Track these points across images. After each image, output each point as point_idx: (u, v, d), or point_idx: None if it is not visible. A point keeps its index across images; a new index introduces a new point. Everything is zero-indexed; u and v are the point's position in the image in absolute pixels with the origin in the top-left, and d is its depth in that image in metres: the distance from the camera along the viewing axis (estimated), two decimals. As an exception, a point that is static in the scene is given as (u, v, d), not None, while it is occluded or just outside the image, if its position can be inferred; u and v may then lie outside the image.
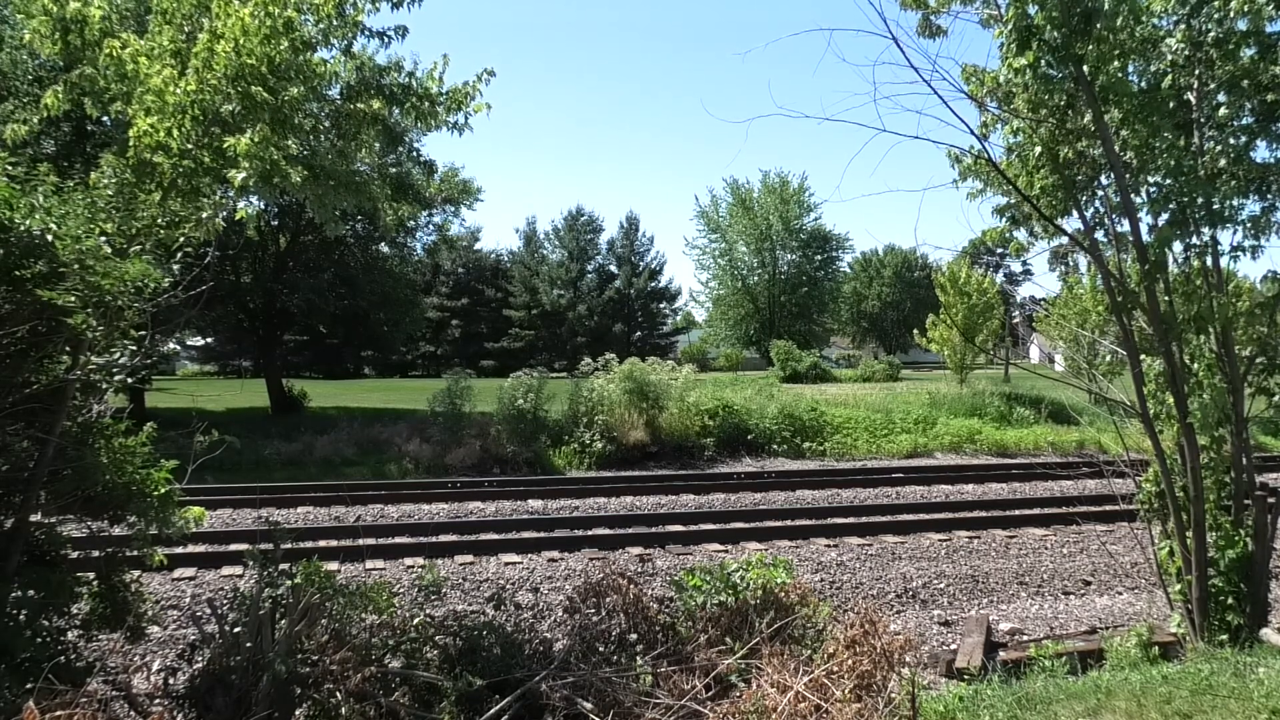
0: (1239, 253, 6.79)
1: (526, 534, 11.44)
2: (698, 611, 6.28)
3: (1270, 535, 6.82)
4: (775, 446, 20.24)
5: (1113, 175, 6.57)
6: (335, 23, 5.36)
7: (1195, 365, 6.81)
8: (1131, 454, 7.79)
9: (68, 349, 4.83)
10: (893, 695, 4.88)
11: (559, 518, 12.54)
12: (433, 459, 17.66)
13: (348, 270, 25.60)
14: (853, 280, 76.90)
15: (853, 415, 22.36)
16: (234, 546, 10.16)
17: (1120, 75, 6.28)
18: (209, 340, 41.69)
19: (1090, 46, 5.97)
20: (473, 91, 5.89)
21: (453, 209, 29.27)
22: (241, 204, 5.85)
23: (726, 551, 10.62)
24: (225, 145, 4.93)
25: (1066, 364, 28.76)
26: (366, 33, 5.65)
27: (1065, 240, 7.35)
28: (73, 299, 4.40)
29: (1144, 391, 6.88)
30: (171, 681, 5.70)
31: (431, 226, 30.11)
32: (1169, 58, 6.42)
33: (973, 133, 6.66)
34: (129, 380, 5.26)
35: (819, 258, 60.00)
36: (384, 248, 27.30)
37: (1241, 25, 6.30)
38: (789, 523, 12.32)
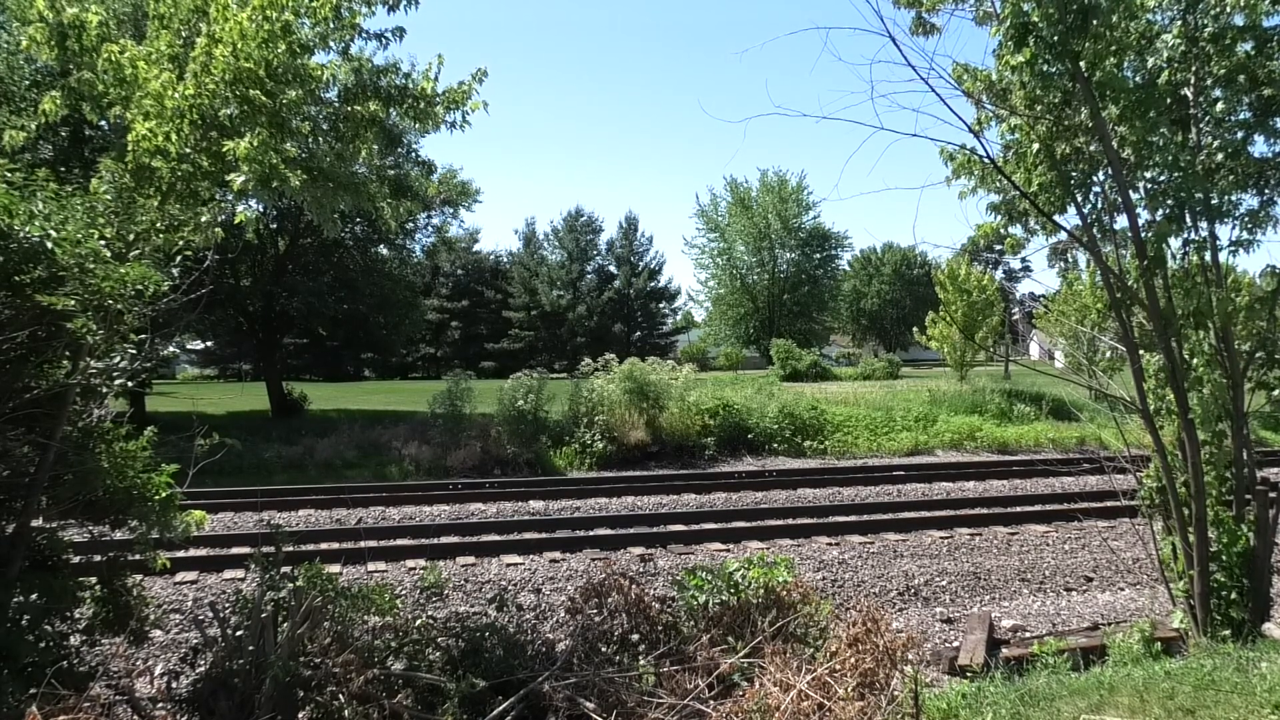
0: (1237, 248, 6.80)
1: (528, 535, 11.44)
2: (700, 611, 6.29)
3: (1272, 530, 6.83)
4: (776, 445, 20.24)
5: (1110, 171, 6.58)
6: (332, 25, 5.37)
7: (1195, 360, 6.81)
8: (1132, 450, 7.80)
9: (68, 353, 4.83)
10: (895, 693, 4.88)
11: (560, 518, 12.54)
12: (433, 461, 17.66)
13: (347, 273, 25.59)
14: (852, 278, 76.93)
15: (853, 413, 22.35)
16: (236, 550, 10.16)
17: (1117, 71, 6.28)
18: (209, 344, 41.79)
19: (1087, 43, 5.97)
20: (469, 90, 5.90)
21: (451, 210, 29.30)
22: (240, 207, 5.85)
23: (728, 550, 10.62)
24: (224, 149, 4.94)
25: (1066, 360, 28.76)
26: (364, 35, 5.66)
27: (1064, 236, 7.36)
28: (72, 303, 4.41)
29: (1144, 387, 6.88)
30: (174, 685, 5.71)
31: (430, 228, 30.16)
32: (1165, 53, 6.43)
33: (970, 129, 6.66)
34: (129, 384, 5.26)
35: (818, 256, 60.00)
36: (383, 250, 27.29)
37: (1238, 20, 6.31)
38: (790, 521, 12.31)
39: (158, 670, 6.68)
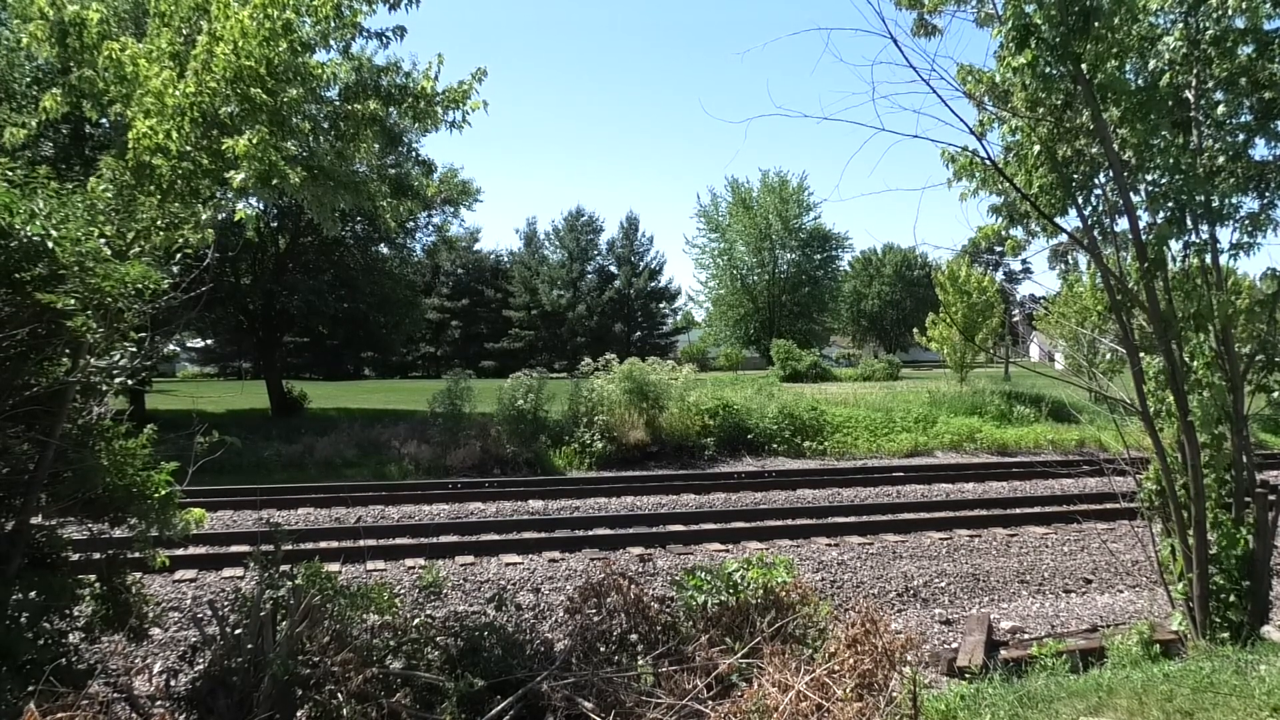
0: (1238, 250, 6.80)
1: (527, 534, 11.44)
2: (698, 611, 6.29)
3: (1271, 533, 6.82)
4: (775, 446, 20.23)
5: (1111, 173, 6.58)
6: (333, 24, 5.37)
7: (1195, 363, 6.81)
8: (1132, 452, 7.79)
9: (68, 351, 4.83)
10: (894, 694, 4.88)
11: (559, 518, 12.54)
12: (433, 460, 17.66)
13: (347, 272, 25.60)
14: (852, 279, 76.91)
15: (853, 414, 22.35)
16: (235, 548, 10.17)
17: (1118, 74, 6.28)
18: (209, 342, 41.76)
19: (1089, 45, 5.97)
20: (469, 90, 5.90)
21: (452, 210, 29.28)
22: (240, 205, 5.85)
23: (727, 551, 10.62)
24: (224, 147, 4.94)
25: (1066, 362, 28.76)
26: (365, 34, 5.66)
27: (1064, 239, 7.35)
28: (73, 301, 4.40)
29: (1144, 389, 6.88)
30: (173, 683, 5.72)
31: (431, 227, 30.12)
32: (1167, 56, 6.43)
33: (971, 131, 6.66)
34: (129, 382, 5.26)
35: (819, 257, 60.02)
36: (383, 249, 27.29)
37: (1239, 23, 6.31)
38: (790, 522, 12.31)
39: (156, 668, 6.68)
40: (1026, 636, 8.14)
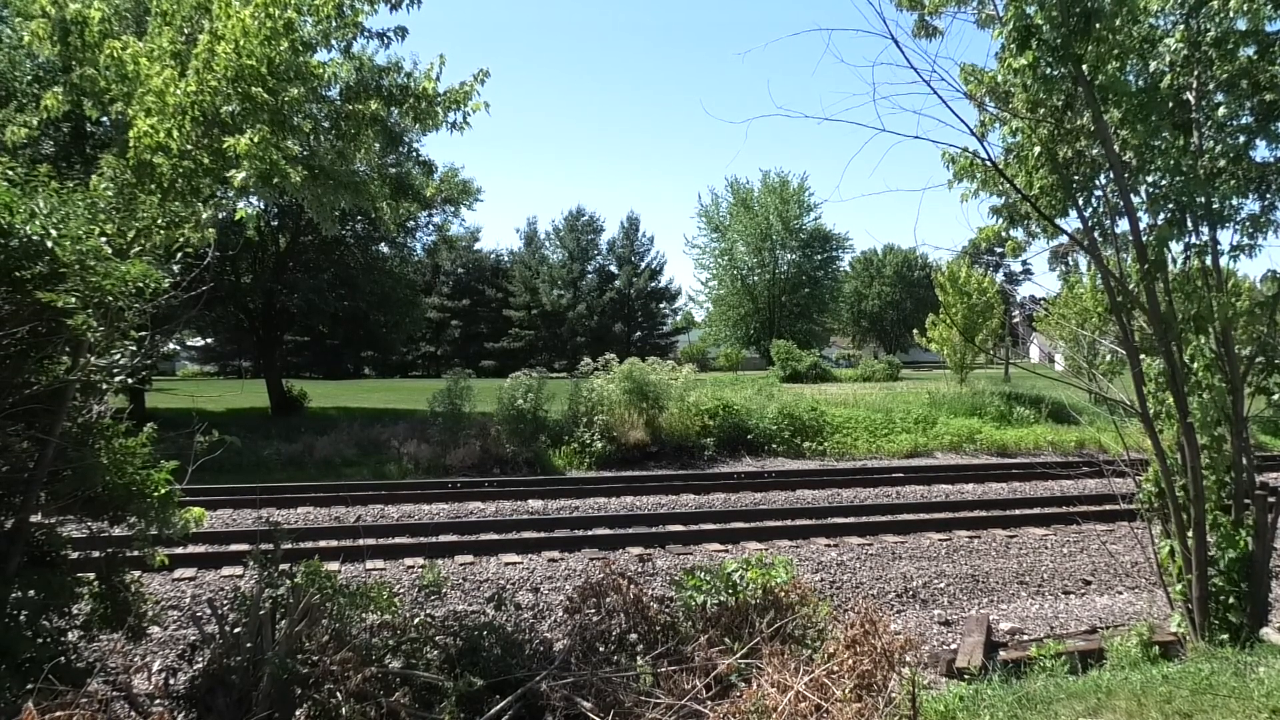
0: (1238, 252, 6.80)
1: (527, 534, 11.45)
2: (698, 611, 6.29)
3: (1270, 534, 6.82)
4: (775, 446, 20.24)
5: (1112, 175, 6.58)
6: (334, 24, 5.37)
7: (1195, 365, 6.81)
8: (1131, 453, 7.79)
9: (68, 350, 4.83)
10: (893, 695, 4.88)
11: (559, 518, 12.54)
12: (433, 459, 17.67)
13: (347, 271, 25.60)
14: (853, 280, 76.91)
15: (853, 415, 22.35)
16: (234, 547, 10.17)
17: (1119, 75, 6.28)
18: (209, 341, 41.79)
19: (1090, 46, 5.97)
20: (470, 91, 5.90)
21: (452, 209, 29.30)
22: (241, 204, 5.85)
23: (727, 551, 10.62)
24: (225, 146, 4.95)
25: (1066, 363, 28.76)
26: (366, 34, 5.67)
27: (1065, 240, 7.35)
28: (73, 300, 4.40)
29: (1144, 391, 6.88)
30: (172, 682, 5.71)
31: (431, 227, 30.15)
32: (1168, 57, 6.42)
33: (972, 132, 6.66)
34: (129, 381, 5.26)
35: (819, 257, 60.02)
36: (384, 248, 27.30)
37: (1240, 25, 6.31)
38: (789, 522, 12.31)
39: (155, 666, 6.67)
40: (1025, 638, 8.14)
